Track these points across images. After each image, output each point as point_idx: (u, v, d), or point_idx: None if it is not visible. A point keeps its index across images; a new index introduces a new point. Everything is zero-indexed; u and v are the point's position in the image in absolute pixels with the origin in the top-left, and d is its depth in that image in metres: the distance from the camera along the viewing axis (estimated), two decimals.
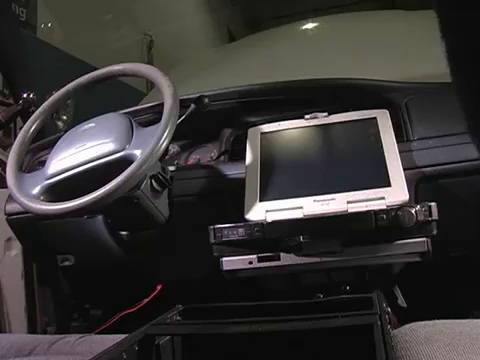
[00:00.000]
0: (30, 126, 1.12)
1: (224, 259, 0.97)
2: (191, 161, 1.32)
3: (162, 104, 0.99)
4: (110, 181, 0.90)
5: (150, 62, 3.74)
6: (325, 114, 1.11)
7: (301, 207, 0.96)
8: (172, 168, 1.18)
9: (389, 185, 0.93)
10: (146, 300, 1.23)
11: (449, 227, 0.89)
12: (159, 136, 0.93)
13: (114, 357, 0.67)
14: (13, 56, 1.61)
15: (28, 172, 1.15)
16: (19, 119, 1.60)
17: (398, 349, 0.68)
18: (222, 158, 1.24)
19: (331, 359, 0.73)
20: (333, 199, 0.95)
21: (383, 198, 0.92)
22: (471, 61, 0.36)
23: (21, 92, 1.54)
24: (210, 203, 1.12)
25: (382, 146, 1.00)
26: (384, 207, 0.90)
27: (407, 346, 0.67)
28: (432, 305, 1.07)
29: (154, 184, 1.06)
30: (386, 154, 0.98)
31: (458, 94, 0.41)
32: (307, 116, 1.12)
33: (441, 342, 0.66)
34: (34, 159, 1.39)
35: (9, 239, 1.50)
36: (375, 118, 1.06)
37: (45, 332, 1.51)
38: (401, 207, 0.88)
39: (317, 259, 0.93)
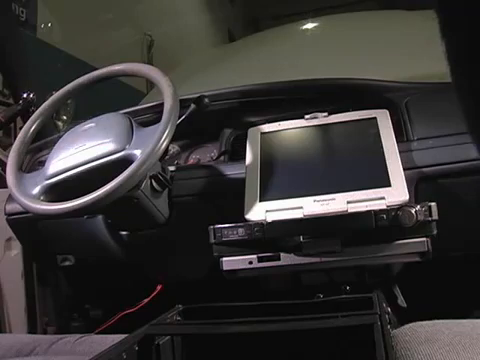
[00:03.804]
0: (30, 126, 1.12)
1: (224, 259, 0.97)
2: (191, 161, 1.31)
3: (162, 104, 0.99)
4: (110, 181, 0.90)
5: (150, 62, 3.74)
6: (325, 114, 1.11)
7: (301, 207, 0.96)
8: (172, 168, 1.18)
9: (389, 185, 0.93)
10: (146, 300, 1.23)
11: (449, 227, 0.90)
12: (159, 136, 0.93)
13: (114, 357, 0.67)
14: (13, 56, 1.61)
15: (28, 172, 1.15)
16: (19, 119, 1.60)
17: (398, 349, 0.68)
18: (222, 158, 1.24)
19: (331, 359, 0.73)
20: (333, 199, 0.95)
21: (383, 198, 0.92)
22: (471, 61, 0.36)
23: (21, 92, 1.54)
24: (210, 203, 1.12)
25: (382, 146, 1.00)
26: (384, 207, 0.90)
27: (407, 346, 0.67)
28: (432, 305, 1.07)
29: (154, 184, 1.06)
30: (386, 154, 0.98)
31: (458, 94, 0.41)
32: (307, 116, 1.12)
33: (441, 342, 0.65)
34: (34, 159, 1.39)
35: (9, 239, 1.50)
36: (375, 118, 1.06)
37: (45, 332, 1.51)
38: (401, 207, 0.88)
39: (317, 259, 0.93)
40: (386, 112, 1.07)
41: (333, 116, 1.10)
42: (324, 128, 1.09)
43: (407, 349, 0.67)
